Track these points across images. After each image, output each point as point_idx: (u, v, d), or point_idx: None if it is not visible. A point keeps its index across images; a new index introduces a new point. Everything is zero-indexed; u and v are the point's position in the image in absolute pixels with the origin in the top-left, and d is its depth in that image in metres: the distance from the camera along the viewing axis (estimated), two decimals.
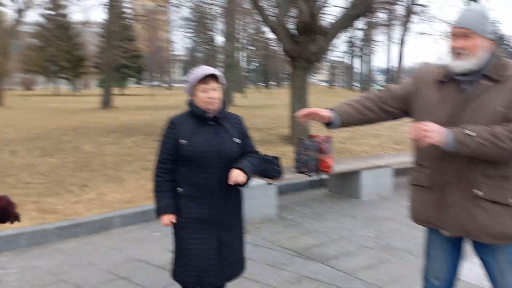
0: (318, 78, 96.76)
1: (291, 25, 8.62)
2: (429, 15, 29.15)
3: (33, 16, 64.02)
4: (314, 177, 5.52)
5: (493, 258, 2.08)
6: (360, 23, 43.73)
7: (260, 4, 8.70)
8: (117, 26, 21.20)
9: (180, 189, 2.44)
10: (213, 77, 2.41)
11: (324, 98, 29.92)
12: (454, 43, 2.03)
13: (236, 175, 2.38)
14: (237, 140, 2.49)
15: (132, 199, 5.20)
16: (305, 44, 8.17)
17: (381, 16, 35.10)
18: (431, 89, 2.13)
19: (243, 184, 2.44)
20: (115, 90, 38.92)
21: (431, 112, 2.08)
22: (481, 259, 2.14)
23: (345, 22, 8.27)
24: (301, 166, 5.40)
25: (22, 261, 3.76)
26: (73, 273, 3.58)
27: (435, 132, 1.90)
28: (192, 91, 2.45)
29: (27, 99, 28.88)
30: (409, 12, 25.93)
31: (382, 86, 40.31)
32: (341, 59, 61.49)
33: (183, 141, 2.38)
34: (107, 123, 12.70)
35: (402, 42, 25.86)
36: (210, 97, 2.40)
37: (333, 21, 8.63)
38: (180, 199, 2.44)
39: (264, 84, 60.82)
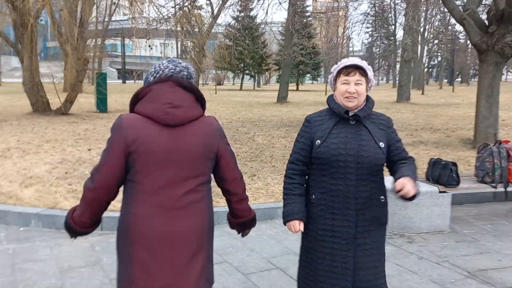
0: None
1: (482, 15, 7.59)
2: None
3: (224, 18, 71.34)
4: (500, 189, 4.76)
5: None
6: None
7: None
8: (297, 24, 21.98)
9: (312, 196, 2.18)
10: (358, 69, 2.11)
11: None
12: None
13: (410, 187, 1.96)
14: (382, 145, 2.11)
15: None
16: (499, 35, 7.09)
17: None
18: None
19: (412, 198, 2.02)
20: (291, 86, 40.75)
21: None
22: None
23: None
24: (483, 174, 4.75)
25: None
26: (235, 255, 3.84)
27: None
28: (333, 84, 2.21)
29: (217, 93, 32.37)
30: None
31: None
32: None
33: (318, 141, 2.13)
34: (281, 117, 13.35)
35: None
36: (350, 90, 2.09)
37: None
38: (313, 207, 2.18)
39: (447, 81, 55.58)
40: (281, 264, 3.68)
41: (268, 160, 7.01)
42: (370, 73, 2.15)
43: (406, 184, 1.95)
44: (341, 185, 2.09)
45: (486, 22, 7.53)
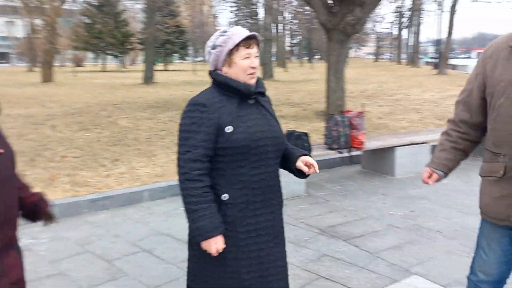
0: (365, 51, 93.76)
1: None
2: None
3: None
4: (345, 154, 5.35)
5: None
6: None
7: None
8: (159, 1, 21.32)
9: (225, 196, 1.78)
10: (255, 39, 1.81)
11: (369, 71, 29.01)
12: None
13: (313, 162, 1.83)
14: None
15: (162, 173, 5.28)
16: (342, 15, 7.83)
17: None
18: (506, 63, 1.82)
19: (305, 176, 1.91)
20: (159, 66, 39.62)
21: (507, 92, 1.79)
22: None
23: None
24: (331, 142, 5.26)
25: (52, 232, 3.90)
26: (98, 243, 3.69)
27: None
28: (226, 58, 1.80)
29: (76, 75, 29.94)
30: None
31: (431, 58, 38.44)
32: (388, 31, 59.12)
33: (229, 128, 1.74)
34: (147, 98, 12.95)
35: (453, 11, 24.36)
36: (254, 65, 1.79)
37: None
38: (230, 209, 1.79)
39: (308, 58, 59.75)
40: (147, 246, 3.65)
41: (133, 143, 6.79)
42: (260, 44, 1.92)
43: (311, 161, 1.86)
44: (262, 174, 1.81)
45: (331, 2, 8.22)
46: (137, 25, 45.07)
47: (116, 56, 46.05)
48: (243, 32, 1.78)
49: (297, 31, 56.17)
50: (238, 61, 1.78)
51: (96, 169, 5.44)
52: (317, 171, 1.86)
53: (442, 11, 28.16)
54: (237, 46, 1.77)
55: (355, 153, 5.48)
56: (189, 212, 1.75)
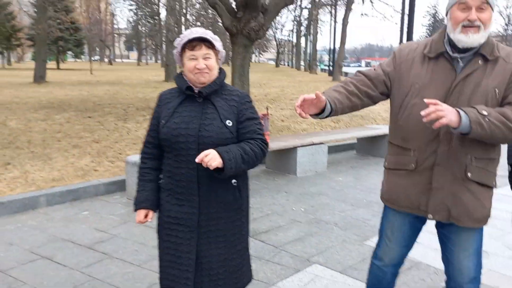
0: (266, 57, 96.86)
1: (232, 1, 8.48)
2: None
3: None
4: None
5: (461, 238, 2.05)
6: (305, 2, 44.07)
7: None
8: None
9: (162, 180, 2.04)
10: (204, 42, 1.92)
11: (271, 76, 30.08)
12: (471, 16, 1.85)
13: (207, 156, 1.79)
14: (229, 123, 1.93)
15: (60, 177, 4.99)
16: (245, 20, 8.07)
17: None
18: (420, 67, 1.99)
19: (218, 172, 1.86)
20: (51, 64, 36.81)
21: (420, 93, 1.95)
22: (446, 238, 2.10)
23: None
24: None
25: None
26: None
27: (449, 112, 1.73)
28: (181, 60, 1.98)
29: None
30: None
31: (326, 65, 41.04)
32: (288, 38, 61.84)
33: (162, 121, 1.96)
34: (39, 98, 12.02)
35: (345, 23, 26.35)
36: (199, 67, 1.90)
37: None
38: (162, 192, 2.03)
39: None
40: (46, 252, 3.44)
41: (26, 145, 6.29)
42: (218, 43, 1.97)
43: (205, 152, 1.82)
44: (185, 169, 1.91)
45: (235, 8, 8.42)
46: (26, 19, 41.48)
47: (0, 53, 41.83)
48: (189, 35, 1.92)
49: None
50: (185, 62, 1.95)
51: None
52: (205, 162, 1.80)
53: (335, 22, 30.27)
54: (184, 48, 1.94)
55: None
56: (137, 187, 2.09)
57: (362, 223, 4.25)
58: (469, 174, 1.93)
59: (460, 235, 2.04)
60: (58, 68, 37.73)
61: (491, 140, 1.85)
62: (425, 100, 1.77)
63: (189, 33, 1.93)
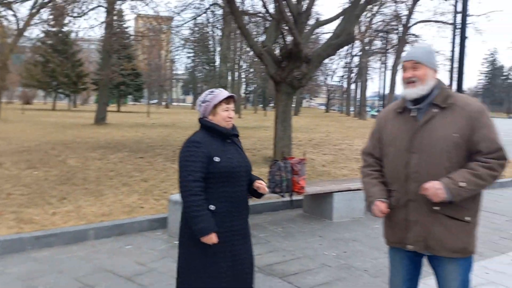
0: (317, 102, 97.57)
1: (277, 51, 8.96)
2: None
3: (35, 31, 64.86)
4: (287, 198, 5.72)
5: (444, 270, 2.31)
6: (355, 51, 44.64)
7: (248, 30, 9.04)
8: (116, 44, 21.66)
9: (212, 207, 2.48)
10: (232, 98, 2.65)
11: (319, 121, 30.33)
12: (406, 74, 2.34)
13: (264, 185, 2.64)
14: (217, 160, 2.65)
15: (108, 212, 5.40)
16: (289, 70, 8.49)
17: (377, 43, 35.91)
18: (392, 122, 2.43)
19: (261, 195, 2.72)
20: (112, 107, 39.24)
21: (394, 142, 2.38)
22: (435, 271, 2.37)
23: (327, 50, 8.61)
24: (274, 186, 5.62)
25: None
26: (41, 280, 3.75)
27: (439, 190, 2.16)
28: (211, 110, 2.59)
29: (24, 112, 29.16)
30: (402, 41, 26.56)
31: (376, 112, 40.74)
32: (339, 84, 62.30)
33: (217, 159, 2.48)
34: (98, 138, 12.94)
35: (395, 69, 26.41)
36: (231, 116, 2.60)
37: (316, 50, 8.98)
38: (214, 217, 2.48)
39: (262, 106, 61.44)
40: (91, 282, 3.76)
41: (81, 182, 6.85)
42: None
43: (261, 183, 2.63)
44: (238, 192, 2.55)
45: (280, 57, 8.89)
46: (91, 65, 44.92)
47: (67, 95, 45.31)
48: (225, 93, 2.60)
49: (253, 79, 58.05)
50: (220, 112, 2.59)
51: (43, 206, 5.48)
52: (266, 190, 2.65)
53: (386, 69, 30.44)
54: (220, 102, 2.58)
55: (296, 197, 5.87)
56: (193, 218, 2.44)
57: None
58: (436, 208, 2.23)
59: (443, 267, 2.30)
60: (118, 110, 40.20)
61: (472, 195, 2.21)
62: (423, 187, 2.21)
63: (223, 92, 2.62)
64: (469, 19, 14.72)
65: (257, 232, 5.37)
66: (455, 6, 15.97)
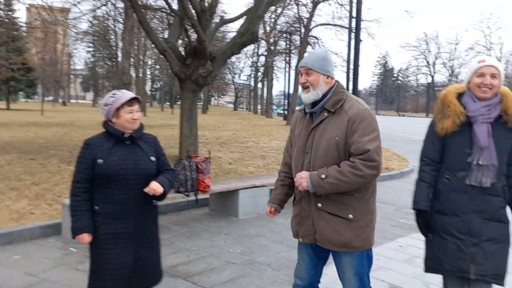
0: (226, 100, 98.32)
1: (181, 48, 8.80)
2: (323, 47, 31.35)
3: None
4: (192, 197, 5.64)
5: (340, 262, 2.49)
6: (262, 50, 45.71)
7: (150, 25, 8.76)
8: (4, 35, 19.64)
9: (96, 207, 2.56)
10: (136, 99, 2.63)
11: (227, 119, 30.53)
12: (301, 79, 2.49)
13: (156, 187, 2.57)
14: (153, 159, 2.67)
15: None
16: (194, 67, 8.38)
17: (282, 44, 37.09)
18: (299, 123, 2.60)
19: (160, 197, 2.67)
20: (1, 104, 35.54)
21: (296, 142, 2.56)
22: (334, 262, 2.55)
23: (232, 48, 8.67)
24: (178, 186, 5.50)
25: None
26: None
27: (303, 179, 2.38)
28: (114, 113, 2.58)
29: None
30: (305, 42, 27.76)
31: (283, 109, 42.17)
32: (246, 83, 63.36)
33: (100, 161, 2.52)
34: None
35: (298, 69, 27.49)
36: (135, 118, 2.60)
37: (221, 48, 8.99)
38: (97, 217, 2.56)
39: (169, 104, 60.22)
40: None
41: None
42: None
43: (152, 184, 2.59)
44: (123, 194, 2.54)
45: (184, 54, 8.74)
46: None
47: None
48: (127, 95, 2.59)
49: (159, 76, 56.55)
50: (123, 115, 2.59)
51: None
52: (157, 191, 2.58)
53: (290, 69, 31.58)
54: (123, 104, 2.57)
55: (201, 196, 5.82)
56: (71, 217, 2.56)
57: (295, 263, 4.39)
58: (319, 205, 2.41)
59: (340, 259, 2.48)
60: (8, 108, 36.55)
61: (339, 191, 2.35)
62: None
63: (125, 93, 2.60)
64: (362, 24, 15.84)
65: (161, 234, 5.20)
66: (350, 11, 17.13)
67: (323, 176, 2.31)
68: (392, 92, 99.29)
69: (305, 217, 2.49)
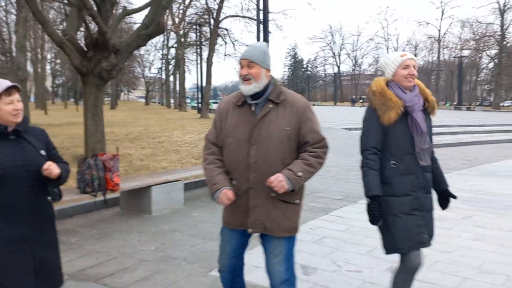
0: (136, 95, 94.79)
1: (81, 40, 8.30)
2: (233, 39, 31.60)
3: None
4: (100, 197, 5.37)
5: (273, 247, 2.58)
6: (172, 42, 44.73)
7: (45, 16, 8.13)
8: None
9: None
10: (15, 88, 2.33)
11: (138, 114, 29.51)
12: (242, 71, 2.53)
13: (52, 166, 2.31)
14: (44, 153, 2.42)
15: None
16: (96, 60, 7.95)
17: (192, 36, 36.60)
18: (232, 114, 2.59)
19: (56, 183, 2.43)
20: None
21: (233, 134, 2.55)
22: (264, 247, 2.64)
23: (137, 40, 8.36)
24: (84, 186, 5.22)
25: None
26: None
27: (282, 182, 2.40)
28: None
29: None
30: (215, 34, 27.68)
31: (197, 102, 41.80)
32: (158, 76, 61.65)
33: None
34: None
35: (210, 62, 27.35)
36: (18, 108, 2.31)
37: (126, 40, 8.63)
38: None
39: (73, 100, 56.66)
40: None
41: None
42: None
43: (47, 164, 2.33)
44: (14, 195, 2.27)
45: (85, 47, 8.25)
46: None
47: None
48: (3, 84, 2.29)
49: (61, 71, 52.86)
50: (3, 107, 2.29)
51: None
52: (47, 171, 2.30)
53: (201, 62, 31.24)
54: (0, 95, 2.27)
55: (111, 195, 5.57)
56: None
57: (210, 255, 4.39)
58: (272, 194, 2.49)
59: (272, 244, 2.58)
60: None
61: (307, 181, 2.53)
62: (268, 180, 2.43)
63: (1, 82, 2.29)
64: (270, 16, 16.17)
65: (67, 238, 4.92)
66: (258, 3, 17.39)
67: (300, 174, 2.43)
68: (303, 82, 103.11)
69: (253, 208, 2.53)
